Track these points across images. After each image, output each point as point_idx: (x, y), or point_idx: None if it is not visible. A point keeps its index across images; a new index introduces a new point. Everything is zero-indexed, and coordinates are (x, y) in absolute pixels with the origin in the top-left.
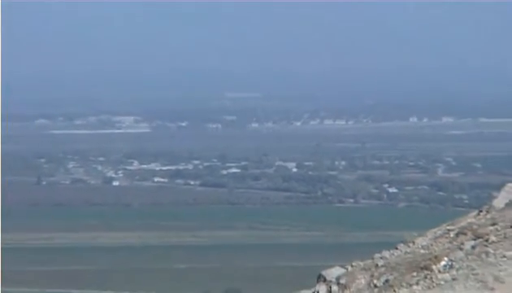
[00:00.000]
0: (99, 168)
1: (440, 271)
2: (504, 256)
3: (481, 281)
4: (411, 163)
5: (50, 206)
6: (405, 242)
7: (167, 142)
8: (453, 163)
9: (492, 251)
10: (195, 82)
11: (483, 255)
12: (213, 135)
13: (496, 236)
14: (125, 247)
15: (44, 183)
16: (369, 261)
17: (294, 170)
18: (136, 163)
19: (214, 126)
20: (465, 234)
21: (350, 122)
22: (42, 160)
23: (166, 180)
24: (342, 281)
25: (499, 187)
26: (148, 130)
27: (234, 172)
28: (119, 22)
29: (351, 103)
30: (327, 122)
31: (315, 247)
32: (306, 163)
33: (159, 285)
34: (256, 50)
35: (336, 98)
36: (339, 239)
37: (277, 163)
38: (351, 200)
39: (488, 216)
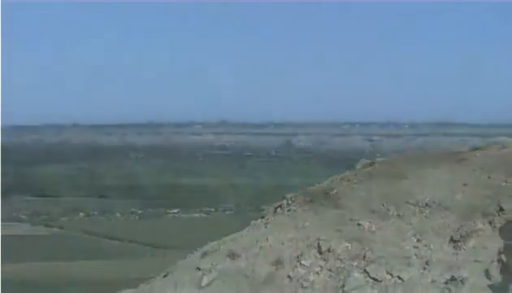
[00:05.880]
0: None
1: (332, 194)
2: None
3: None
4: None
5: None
6: (319, 183)
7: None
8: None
9: (356, 181)
10: (231, 112)
11: (351, 185)
12: None
13: (356, 179)
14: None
15: None
16: (304, 190)
17: (273, 153)
18: None
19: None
20: (343, 179)
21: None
22: None
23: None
24: (293, 199)
25: (358, 160)
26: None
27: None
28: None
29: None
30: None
31: (284, 186)
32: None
33: (215, 199)
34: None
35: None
36: (293, 183)
37: (267, 150)
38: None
39: (353, 172)
